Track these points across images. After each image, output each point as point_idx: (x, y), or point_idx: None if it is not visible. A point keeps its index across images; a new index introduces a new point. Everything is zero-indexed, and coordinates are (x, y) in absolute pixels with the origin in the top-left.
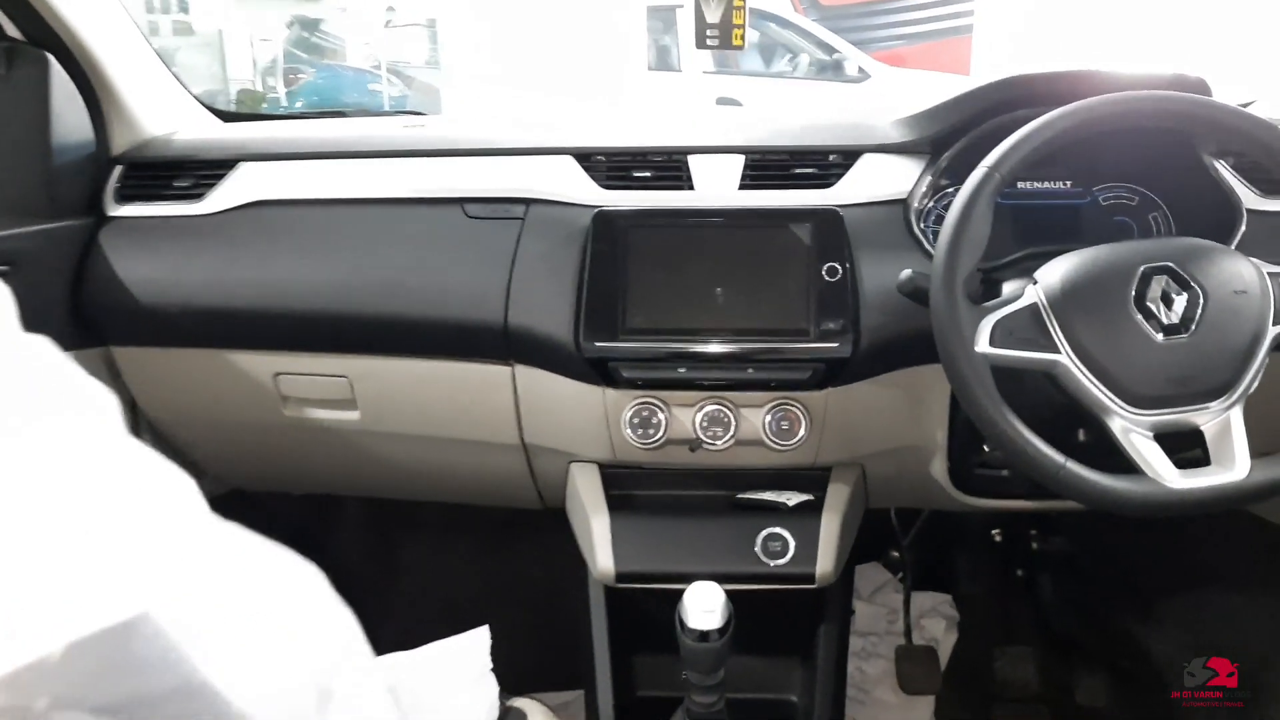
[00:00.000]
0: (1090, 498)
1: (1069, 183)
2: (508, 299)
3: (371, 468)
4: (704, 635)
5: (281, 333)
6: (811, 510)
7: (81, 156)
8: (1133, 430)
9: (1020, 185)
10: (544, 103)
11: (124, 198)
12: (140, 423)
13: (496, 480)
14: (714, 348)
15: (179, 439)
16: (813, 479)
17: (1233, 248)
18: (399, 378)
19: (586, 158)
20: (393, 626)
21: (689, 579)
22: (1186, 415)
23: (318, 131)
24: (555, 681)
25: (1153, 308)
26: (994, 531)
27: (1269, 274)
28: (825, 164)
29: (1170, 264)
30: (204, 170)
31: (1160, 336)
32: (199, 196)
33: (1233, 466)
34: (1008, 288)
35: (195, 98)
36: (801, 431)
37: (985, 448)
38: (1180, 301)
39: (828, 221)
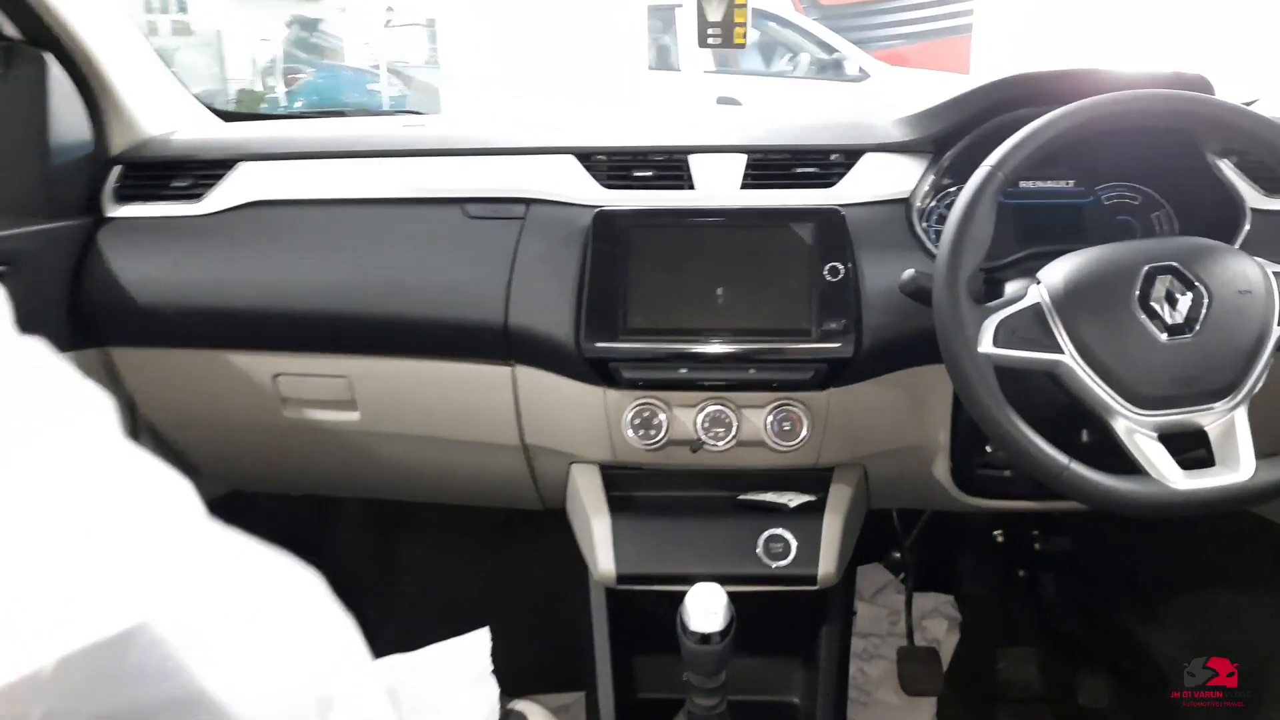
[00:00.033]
0: (1094, 499)
1: (1072, 182)
2: (508, 299)
3: (371, 469)
4: (706, 638)
5: (281, 333)
6: (813, 511)
7: (80, 156)
8: (1137, 431)
9: (1023, 184)
10: (544, 102)
11: (122, 198)
12: (139, 424)
13: (497, 481)
14: (715, 348)
15: (178, 440)
16: (814, 480)
17: (1237, 247)
18: (399, 378)
19: (587, 157)
20: (392, 627)
21: (690, 580)
22: (1191, 416)
23: (317, 131)
24: (556, 683)
25: (1157, 308)
26: (996, 532)
27: (1273, 273)
28: (827, 163)
29: (1174, 263)
30: (203, 170)
31: (1164, 336)
32: (198, 196)
33: (1237, 467)
34: (1010, 287)
35: (194, 97)
36: (803, 432)
37: (988, 448)
38: (1185, 301)
39: (829, 221)
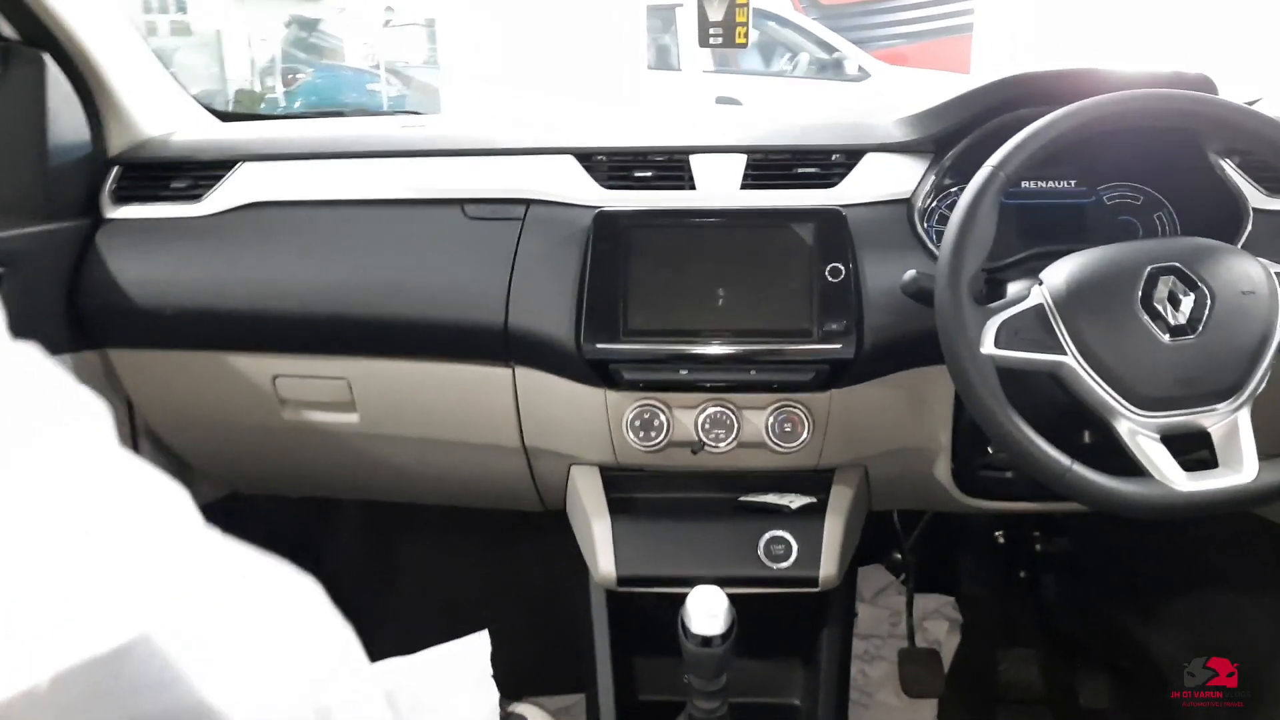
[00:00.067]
0: (1097, 500)
1: (1073, 182)
2: (508, 300)
3: (371, 470)
4: (707, 640)
5: (280, 335)
6: (814, 513)
7: (78, 157)
8: (1139, 432)
9: (1024, 184)
10: (544, 102)
11: (121, 199)
12: (138, 426)
13: (497, 483)
14: (716, 349)
15: (177, 442)
16: (815, 481)
17: (1239, 247)
18: (398, 380)
19: (587, 157)
20: (392, 629)
21: (691, 583)
22: (1194, 417)
23: (316, 132)
24: (556, 684)
25: (1160, 308)
26: (997, 533)
27: (1276, 273)
28: (828, 163)
29: (1177, 264)
30: (202, 171)
31: (1167, 337)
32: (197, 197)
33: (1240, 469)
34: (1013, 288)
35: (193, 98)
36: (804, 433)
37: (989, 449)
38: (1187, 302)
39: (830, 221)
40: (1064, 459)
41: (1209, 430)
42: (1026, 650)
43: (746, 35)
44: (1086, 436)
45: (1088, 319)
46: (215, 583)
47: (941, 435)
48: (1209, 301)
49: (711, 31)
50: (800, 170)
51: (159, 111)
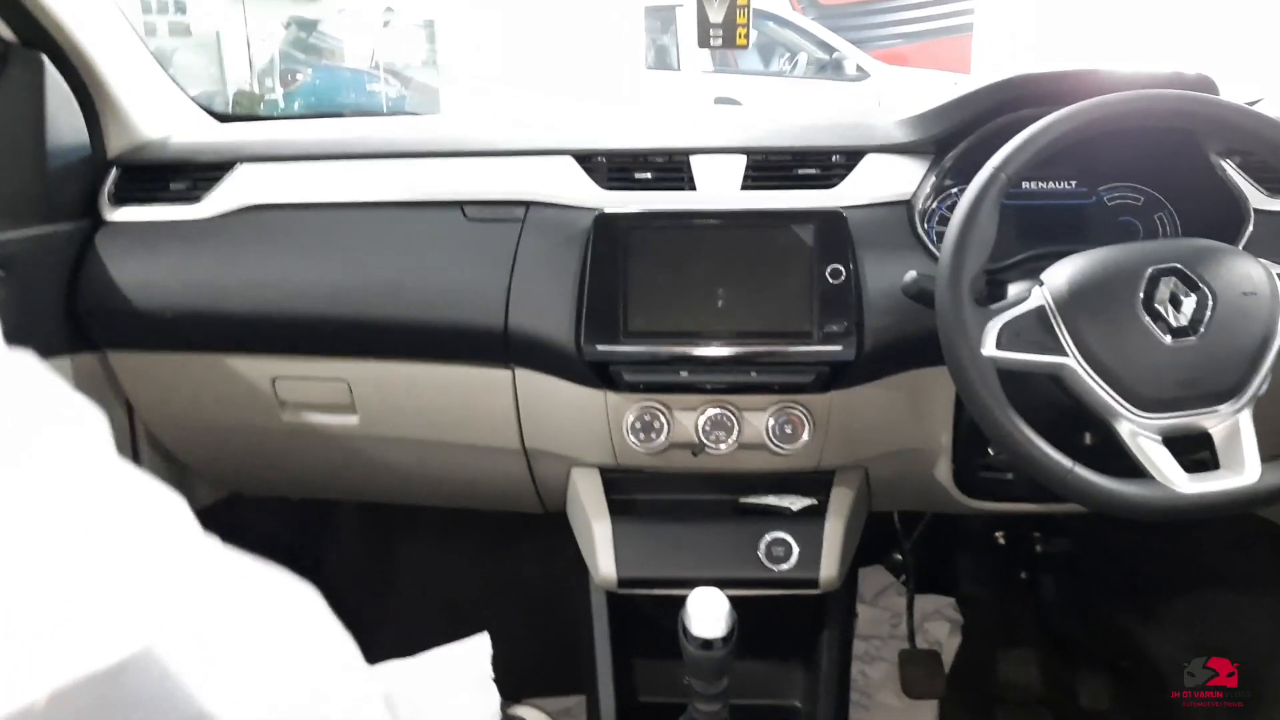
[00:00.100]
0: (1098, 502)
1: (1074, 182)
2: (508, 302)
3: (370, 472)
4: (708, 643)
5: (279, 337)
6: (815, 514)
7: (77, 159)
8: (1141, 434)
9: (1025, 185)
10: (543, 102)
11: (120, 201)
12: (137, 428)
13: (497, 485)
14: (716, 351)
15: (176, 444)
16: (816, 482)
17: (1240, 248)
18: (398, 382)
19: (587, 159)
20: (392, 630)
21: (692, 584)
22: (1195, 418)
23: (315, 133)
24: (556, 686)
25: (1161, 310)
26: (997, 534)
27: (1277, 274)
28: (828, 164)
29: (1178, 265)
30: (201, 173)
31: (1168, 339)
32: (196, 199)
33: (1242, 470)
34: (1013, 289)
35: (192, 99)
36: (805, 435)
37: (990, 451)
38: (1189, 303)
39: (831, 222)
40: (1065, 461)
41: (1210, 432)
42: (1027, 651)
43: (747, 36)
44: (1087, 438)
45: (1089, 320)
46: (214, 594)
47: (942, 436)
48: (1210, 303)
49: (712, 32)
50: (800, 171)
51: (158, 113)
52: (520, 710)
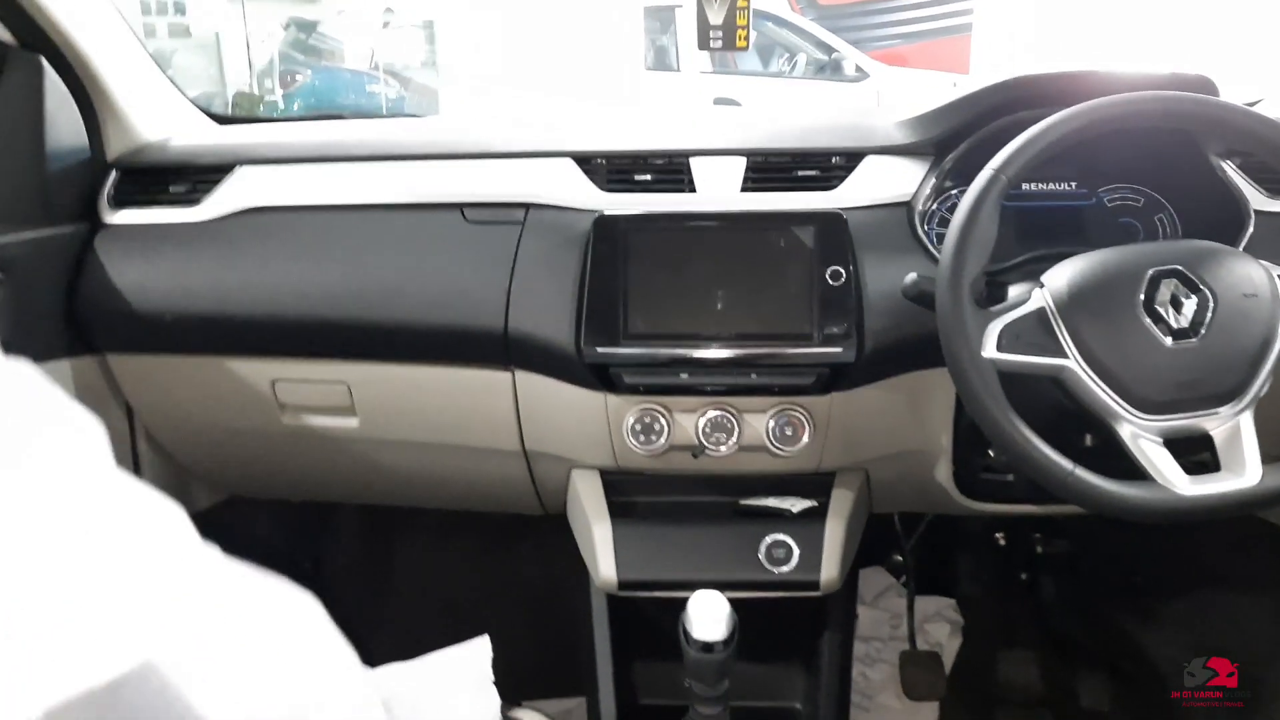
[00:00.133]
0: (1100, 505)
1: (1074, 184)
2: (508, 304)
3: (370, 474)
4: (709, 646)
5: (279, 339)
6: (815, 516)
7: (76, 162)
8: (1142, 436)
9: (1025, 186)
10: (543, 103)
11: (119, 203)
12: (136, 431)
13: (497, 486)
14: (716, 353)
15: (176, 447)
16: (816, 484)
17: (1241, 249)
18: (398, 384)
19: (587, 160)
20: (391, 631)
21: (692, 587)
22: (1196, 420)
23: (315, 135)
24: (556, 687)
25: (1162, 311)
26: (997, 535)
27: (1278, 276)
28: (828, 166)
29: (1179, 267)
30: (200, 175)
31: (1169, 341)
32: (195, 202)
33: (1243, 472)
34: (1014, 291)
35: (191, 101)
36: (805, 437)
37: (990, 452)
38: (1189, 305)
39: (831, 224)
40: (1066, 463)
41: (1211, 434)
42: (1027, 652)
43: (747, 38)
44: (1088, 440)
45: (1089, 322)
46: (213, 605)
47: (942, 438)
48: (1211, 304)
49: (712, 35)
50: (800, 173)
51: (157, 115)
52: (520, 713)
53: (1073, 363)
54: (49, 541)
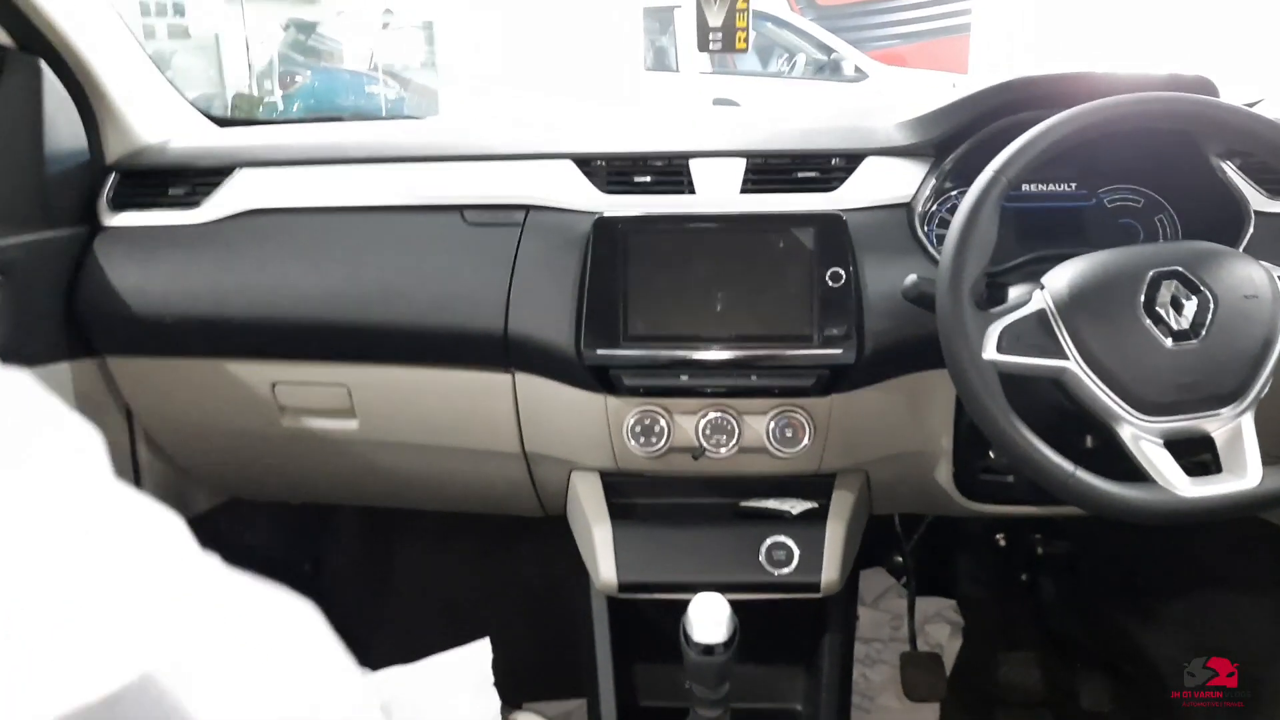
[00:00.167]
0: (1100, 506)
1: (1074, 184)
2: (508, 306)
3: (370, 477)
4: (709, 649)
5: (279, 342)
6: (816, 518)
7: (75, 164)
8: (1142, 437)
9: (1025, 187)
10: (543, 103)
11: (118, 206)
12: (136, 434)
13: (497, 488)
14: (716, 354)
15: (176, 449)
16: (816, 486)
17: (1241, 250)
18: (398, 386)
19: (586, 162)
20: (391, 633)
21: (693, 589)
22: (1197, 422)
23: (314, 137)
24: (556, 688)
25: (1162, 313)
26: (998, 536)
27: (1278, 277)
28: (828, 167)
29: (1180, 268)
30: (199, 177)
31: (1170, 342)
32: (194, 204)
33: (1244, 474)
34: (1014, 292)
35: (190, 103)
36: (805, 438)
37: (990, 454)
38: (1190, 306)
39: (831, 226)
40: (1067, 465)
41: (1212, 435)
42: (1028, 652)
43: (746, 40)
44: (1089, 441)
45: (1090, 324)
46: (212, 617)
47: (942, 439)
48: (1212, 306)
49: (711, 36)
50: (800, 174)
51: (156, 117)
52: (520, 715)
53: (1073, 364)
54: (46, 552)
